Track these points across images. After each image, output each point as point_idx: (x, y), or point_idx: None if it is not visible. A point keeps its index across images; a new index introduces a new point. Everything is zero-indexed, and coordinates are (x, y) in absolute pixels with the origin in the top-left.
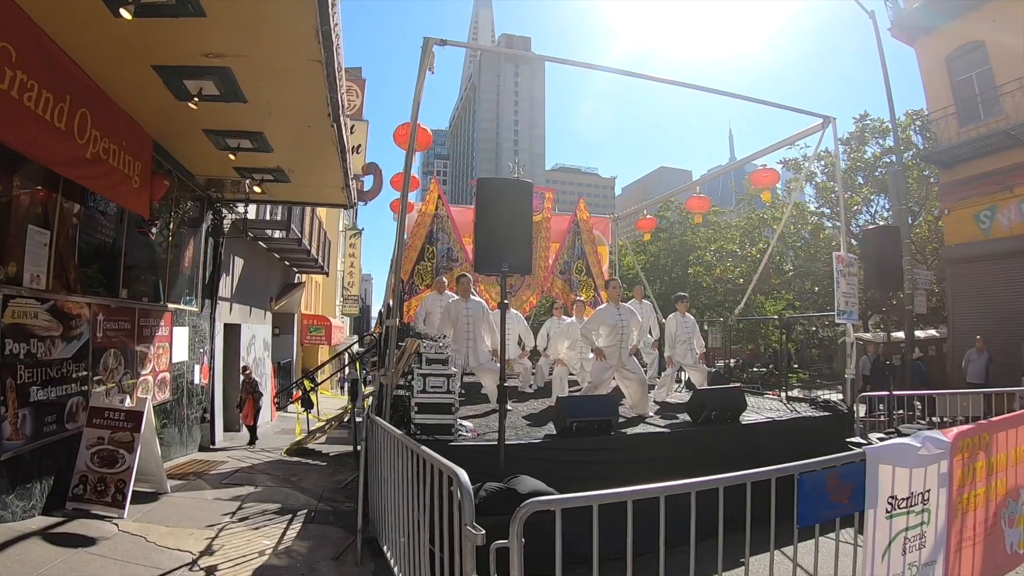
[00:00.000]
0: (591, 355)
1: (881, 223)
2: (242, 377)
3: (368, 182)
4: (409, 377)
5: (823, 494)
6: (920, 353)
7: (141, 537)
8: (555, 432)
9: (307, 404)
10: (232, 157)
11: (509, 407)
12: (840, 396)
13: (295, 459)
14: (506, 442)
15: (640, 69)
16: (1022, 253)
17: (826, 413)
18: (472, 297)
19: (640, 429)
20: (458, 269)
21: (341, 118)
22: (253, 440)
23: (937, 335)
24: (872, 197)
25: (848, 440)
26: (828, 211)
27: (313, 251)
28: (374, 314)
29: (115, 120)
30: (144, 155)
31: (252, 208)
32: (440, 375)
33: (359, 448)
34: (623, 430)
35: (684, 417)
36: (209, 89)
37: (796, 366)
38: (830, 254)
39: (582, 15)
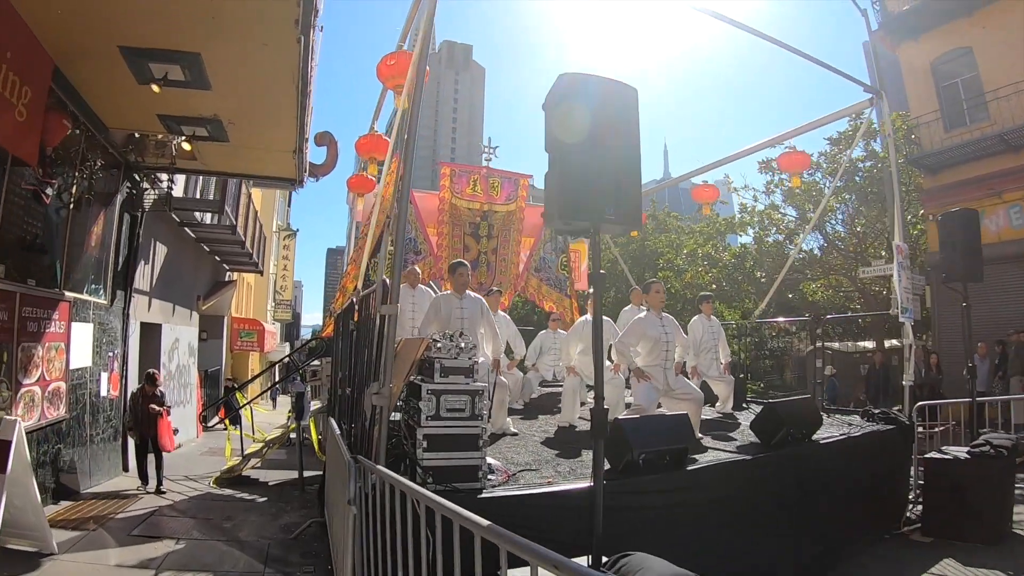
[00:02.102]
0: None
1: (858, 228)
2: (160, 390)
3: (319, 156)
4: (402, 394)
5: None
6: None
7: None
8: (610, 467)
9: (235, 420)
10: (156, 90)
11: (516, 430)
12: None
13: (227, 491)
14: (551, 488)
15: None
16: (1010, 259)
17: (891, 426)
18: (468, 293)
19: (710, 458)
20: (421, 263)
21: (312, 31)
22: (160, 484)
23: (898, 344)
24: (847, 201)
25: (924, 456)
26: (795, 215)
27: (248, 244)
28: (304, 322)
29: None
30: (39, 81)
31: (179, 183)
32: (462, 392)
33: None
34: (693, 458)
35: (742, 436)
36: None
37: (743, 376)
38: (799, 260)
39: (526, 25)
